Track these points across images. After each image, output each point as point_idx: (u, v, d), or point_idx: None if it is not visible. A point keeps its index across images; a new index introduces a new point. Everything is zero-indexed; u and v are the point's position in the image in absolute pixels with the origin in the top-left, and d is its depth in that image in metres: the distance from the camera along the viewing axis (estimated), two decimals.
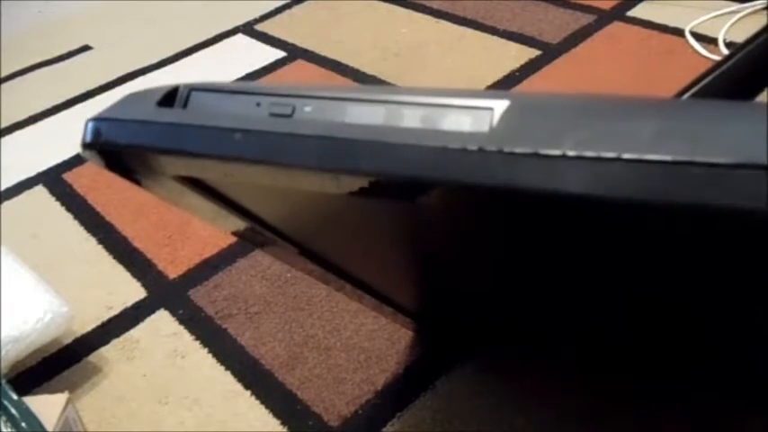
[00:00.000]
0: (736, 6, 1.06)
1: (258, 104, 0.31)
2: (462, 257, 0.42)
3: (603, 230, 0.28)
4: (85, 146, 0.35)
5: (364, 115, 0.27)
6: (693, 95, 0.58)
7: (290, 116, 0.30)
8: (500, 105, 0.25)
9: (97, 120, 0.34)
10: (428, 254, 0.44)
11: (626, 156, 0.21)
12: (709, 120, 0.21)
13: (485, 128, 0.24)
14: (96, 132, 0.34)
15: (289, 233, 0.46)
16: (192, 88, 0.33)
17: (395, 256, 0.46)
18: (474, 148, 0.24)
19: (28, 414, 0.53)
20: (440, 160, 0.24)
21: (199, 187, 0.38)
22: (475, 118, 0.25)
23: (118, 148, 0.34)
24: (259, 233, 0.46)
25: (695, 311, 0.40)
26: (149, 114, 0.32)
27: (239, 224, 0.45)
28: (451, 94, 0.27)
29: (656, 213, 0.22)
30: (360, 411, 0.59)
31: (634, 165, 0.21)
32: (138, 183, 0.40)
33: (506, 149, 0.23)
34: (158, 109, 0.33)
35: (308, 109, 0.29)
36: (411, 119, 0.27)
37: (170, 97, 0.33)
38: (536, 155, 0.23)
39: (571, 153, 0.22)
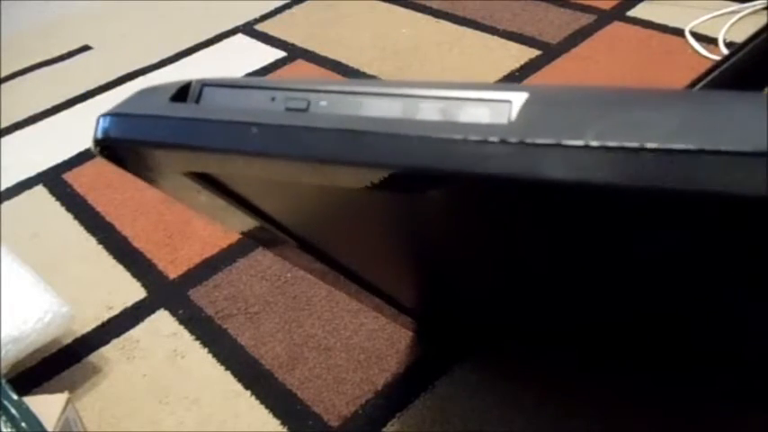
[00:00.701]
0: (736, 6, 1.06)
1: (273, 99, 0.31)
2: (473, 253, 0.42)
3: (620, 220, 0.28)
4: (98, 142, 0.35)
5: (381, 109, 0.27)
6: None
7: (305, 110, 0.30)
8: (518, 98, 0.25)
9: (109, 115, 0.34)
10: (439, 251, 0.44)
11: (649, 145, 0.21)
12: (728, 108, 0.21)
13: (503, 120, 0.25)
14: (109, 128, 0.34)
15: (296, 230, 0.46)
16: (205, 83, 0.33)
17: (404, 253, 0.46)
18: (495, 139, 0.24)
19: (28, 414, 0.53)
20: (461, 152, 0.24)
21: (209, 183, 0.38)
22: (493, 110, 0.25)
23: (131, 144, 0.34)
24: (266, 231, 0.46)
25: (702, 307, 0.40)
26: (163, 109, 0.32)
27: (246, 221, 0.45)
28: (468, 87, 0.27)
29: (679, 203, 0.22)
30: (360, 411, 0.59)
31: (658, 154, 0.21)
32: (146, 179, 0.39)
33: (528, 140, 0.23)
34: (171, 104, 0.33)
35: (323, 103, 0.29)
36: (428, 112, 0.27)
37: (183, 92, 0.33)
38: (559, 145, 0.23)
39: (594, 143, 0.22)
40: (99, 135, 0.34)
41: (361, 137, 0.26)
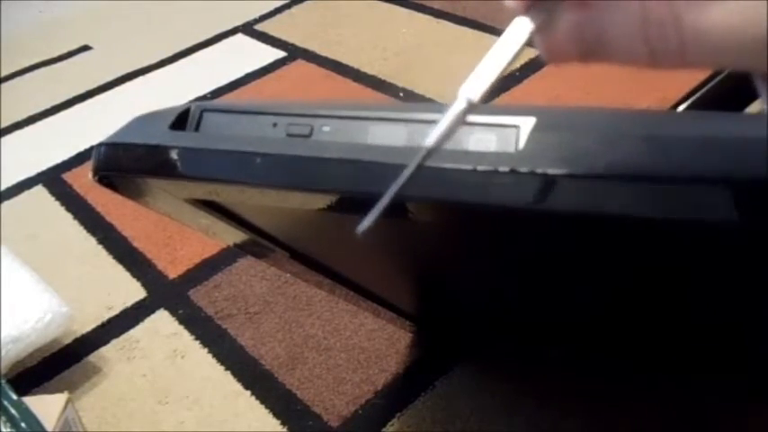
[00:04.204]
0: None
1: (275, 125, 0.30)
2: (472, 265, 0.42)
3: (621, 243, 0.27)
4: (98, 170, 0.33)
5: (385, 135, 0.26)
6: (697, 106, 0.58)
7: (308, 136, 0.29)
8: (526, 123, 0.24)
9: (109, 144, 0.33)
10: (438, 264, 0.44)
11: (664, 174, 0.21)
12: (734, 135, 0.21)
13: (511, 147, 0.24)
14: (108, 157, 0.33)
15: (296, 245, 0.45)
16: (204, 109, 0.32)
17: (403, 265, 0.46)
18: (505, 169, 0.23)
19: (28, 414, 0.53)
20: (470, 183, 0.24)
21: (210, 207, 0.37)
22: (500, 136, 0.24)
23: (133, 175, 0.33)
24: (263, 246, 0.45)
25: (694, 312, 0.40)
26: (163, 138, 0.31)
27: (242, 237, 0.44)
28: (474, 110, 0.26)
29: (691, 230, 0.21)
30: (360, 411, 0.59)
31: (673, 183, 0.21)
32: (144, 203, 0.39)
33: (539, 170, 0.23)
34: (171, 132, 0.32)
35: (326, 129, 0.28)
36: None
37: (182, 119, 0.32)
38: (570, 176, 0.22)
39: (605, 173, 0.22)
40: (98, 165, 0.33)
41: (368, 167, 0.25)
